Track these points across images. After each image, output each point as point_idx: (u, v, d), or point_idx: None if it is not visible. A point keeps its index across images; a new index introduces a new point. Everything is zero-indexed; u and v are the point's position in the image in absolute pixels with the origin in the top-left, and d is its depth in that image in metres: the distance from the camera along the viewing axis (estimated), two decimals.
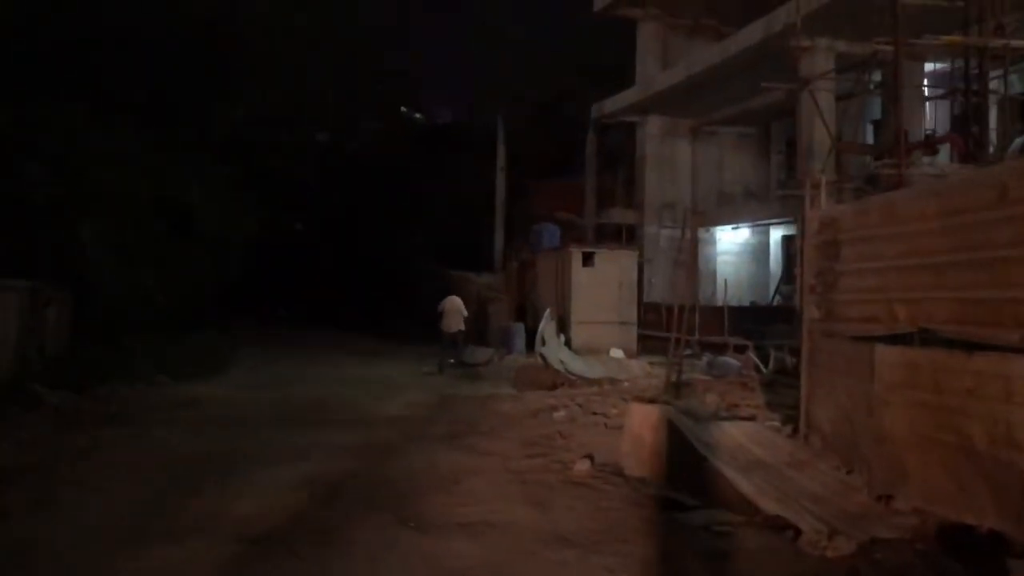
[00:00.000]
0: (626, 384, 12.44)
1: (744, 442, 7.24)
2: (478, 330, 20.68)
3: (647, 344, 19.36)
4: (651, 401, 9.94)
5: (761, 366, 12.86)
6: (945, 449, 5.56)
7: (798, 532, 5.43)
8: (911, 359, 5.82)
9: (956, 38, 10.67)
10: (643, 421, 7.30)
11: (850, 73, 20.54)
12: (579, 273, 18.24)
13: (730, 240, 29.62)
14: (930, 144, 12.22)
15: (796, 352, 13.20)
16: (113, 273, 13.45)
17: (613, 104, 27.54)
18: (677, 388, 11.34)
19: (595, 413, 9.71)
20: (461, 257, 28.95)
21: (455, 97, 42.90)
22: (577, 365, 13.29)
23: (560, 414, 9.77)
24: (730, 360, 13.32)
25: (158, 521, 5.73)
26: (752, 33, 20.23)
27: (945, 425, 5.53)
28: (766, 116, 27.81)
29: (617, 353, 18.33)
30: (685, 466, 7.03)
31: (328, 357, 18.31)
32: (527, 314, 20.54)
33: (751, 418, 8.87)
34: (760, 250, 29.61)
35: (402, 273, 29.33)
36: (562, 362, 12.95)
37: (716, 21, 27.21)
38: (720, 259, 29.47)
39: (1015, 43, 10.61)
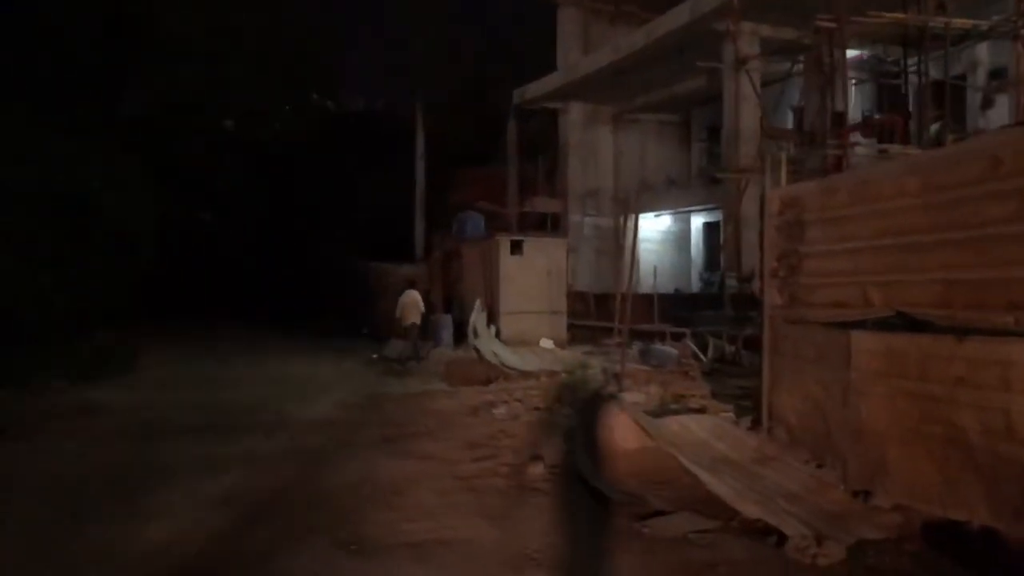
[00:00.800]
0: (563, 376, 11.90)
1: (705, 437, 6.79)
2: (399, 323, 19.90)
3: (575, 333, 18.98)
4: (598, 395, 9.45)
5: (700, 354, 12.55)
6: (931, 441, 5.19)
7: (782, 537, 4.98)
8: (892, 346, 5.44)
9: (900, 15, 10.51)
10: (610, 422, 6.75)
11: (773, 58, 20.63)
12: (507, 262, 17.64)
13: (652, 228, 29.55)
14: (869, 126, 12.09)
15: (734, 339, 13.03)
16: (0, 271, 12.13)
17: (535, 89, 27.03)
18: (618, 380, 10.87)
19: (537, 408, 9.13)
20: (384, 249, 27.96)
21: (374, 85, 41.58)
22: (511, 358, 12.70)
23: (500, 411, 9.15)
24: (667, 349, 12.97)
25: (50, 555, 4.85)
26: (679, 15, 19.98)
27: (931, 416, 5.16)
28: (688, 103, 27.83)
29: (548, 343, 17.85)
30: (650, 467, 6.54)
31: (246, 355, 17.20)
32: (453, 305, 19.86)
33: (702, 410, 8.44)
34: (681, 237, 29.70)
35: (322, 267, 28.15)
36: (495, 355, 12.34)
37: (637, 7, 26.97)
38: (642, 247, 29.34)
39: (957, 21, 10.53)
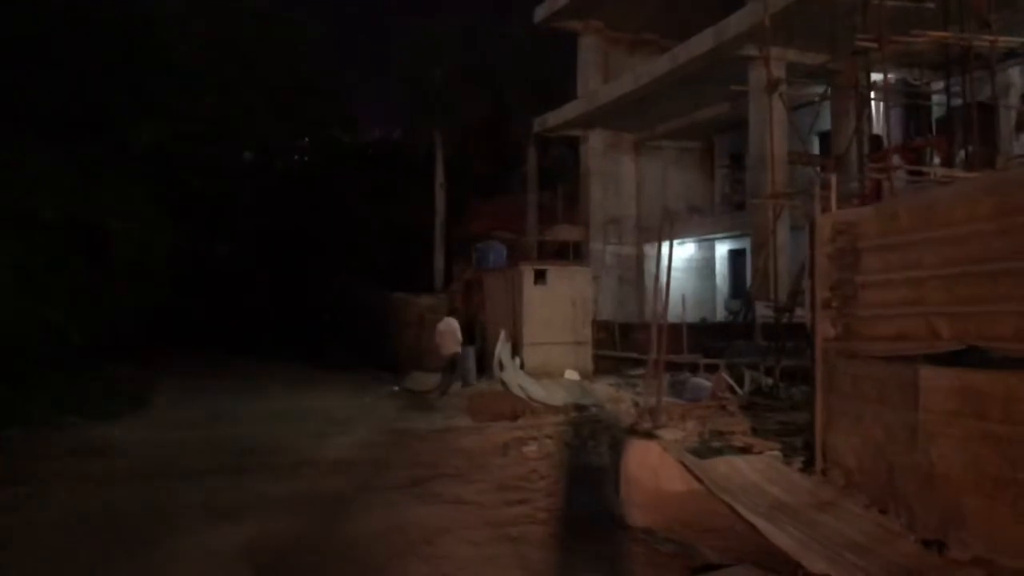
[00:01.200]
0: (594, 410, 11.45)
1: (757, 480, 6.31)
2: (419, 355, 19.50)
3: (600, 364, 18.50)
4: (635, 432, 9.00)
5: (736, 387, 12.03)
6: (1018, 489, 4.70)
7: None
8: (970, 384, 4.97)
9: (944, 34, 10.12)
10: (641, 460, 6.31)
11: (800, 82, 20.30)
12: (531, 291, 17.24)
13: (675, 256, 29.04)
14: (909, 149, 11.67)
15: (770, 371, 12.50)
16: (13, 305, 11.86)
17: (555, 118, 26.81)
18: (653, 415, 10.39)
19: (571, 446, 8.68)
20: (400, 279, 27.69)
21: (392, 114, 41.66)
22: (538, 391, 12.25)
23: (531, 448, 8.70)
24: (701, 381, 12.47)
25: None
26: (703, 41, 19.71)
27: (1019, 462, 4.68)
28: (709, 130, 27.53)
29: (572, 375, 17.39)
30: (698, 512, 6.07)
31: (261, 389, 16.87)
32: (475, 336, 19.44)
33: (747, 449, 7.95)
34: (705, 265, 29.22)
35: (338, 297, 27.88)
36: (522, 388, 11.91)
37: (657, 36, 26.79)
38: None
39: (1003, 39, 10.13)
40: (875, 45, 10.13)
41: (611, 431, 9.30)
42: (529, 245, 26.93)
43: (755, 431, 9.43)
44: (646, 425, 9.53)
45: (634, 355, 20.68)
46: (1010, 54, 10.59)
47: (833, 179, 7.03)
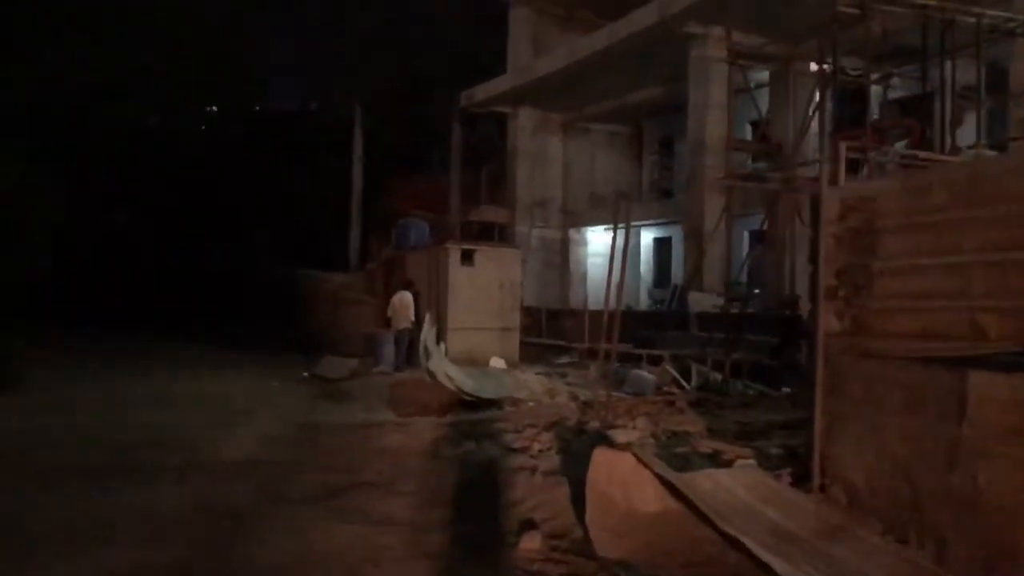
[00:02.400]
0: (531, 404, 10.34)
1: (749, 499, 5.30)
2: (332, 338, 18.04)
3: (524, 352, 17.46)
4: (583, 431, 7.93)
5: (682, 381, 11.13)
6: None
7: None
8: None
9: (932, 1, 9.38)
10: (610, 474, 5.21)
11: (746, 64, 19.64)
12: (457, 272, 16.02)
13: (600, 241, 28.37)
14: (877, 130, 10.96)
15: (718, 366, 11.65)
16: None
17: (484, 92, 25.56)
18: (604, 413, 9.37)
19: (511, 449, 7.53)
20: (313, 256, 26.04)
21: (308, 84, 39.37)
22: (467, 381, 11.04)
23: (467, 450, 7.51)
24: (643, 373, 11.49)
25: None
26: (646, 16, 18.78)
27: None
28: (639, 114, 26.80)
29: (499, 363, 16.29)
30: (677, 539, 5.02)
31: (155, 369, 15.15)
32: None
33: (715, 455, 6.98)
34: (629, 252, 28.53)
35: (248, 274, 25.92)
36: (450, 378, 10.69)
37: (591, 13, 25.78)
38: (590, 261, 28.18)
39: (990, 13, 9.46)
40: (857, 10, 9.29)
41: (555, 429, 8.19)
42: (452, 225, 25.64)
43: (711, 432, 8.50)
44: (593, 423, 8.48)
45: (561, 343, 19.75)
46: (994, 29, 9.93)
47: (842, 148, 6.07)
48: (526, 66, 24.47)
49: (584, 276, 27.84)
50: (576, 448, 7.34)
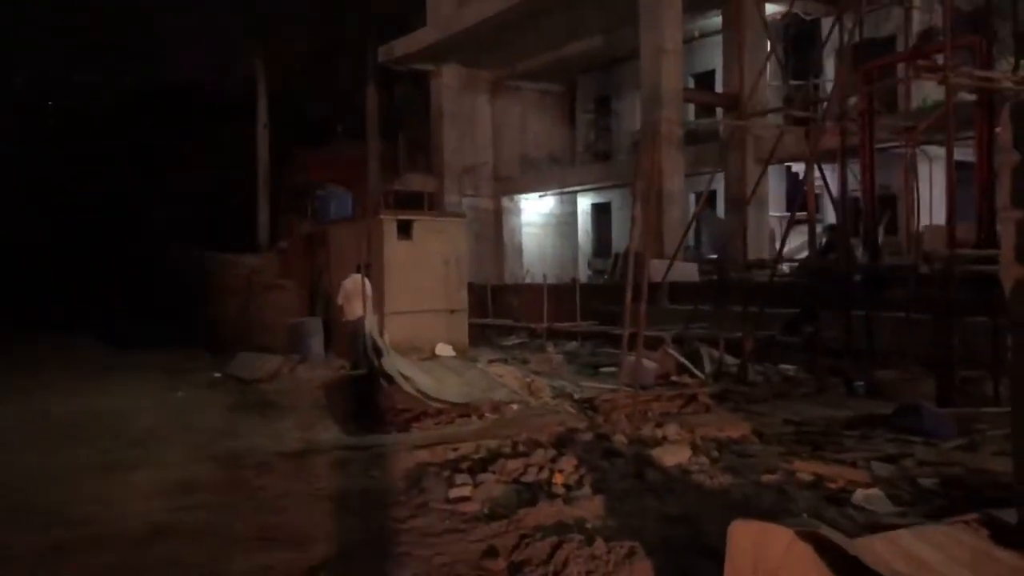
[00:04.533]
0: (515, 407, 8.25)
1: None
2: (246, 330, 15.52)
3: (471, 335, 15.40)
4: (607, 449, 5.91)
5: (692, 368, 9.21)
6: None
7: None
8: None
9: None
10: (757, 559, 3.21)
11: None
12: (393, 247, 13.74)
13: (534, 211, 26.43)
14: (933, 50, 9.26)
15: (734, 349, 9.74)
16: None
17: (405, 46, 23.05)
18: (607, 414, 7.39)
19: (524, 484, 5.44)
20: (217, 238, 23.05)
21: (207, 49, 35.51)
22: (424, 380, 8.88)
23: (462, 492, 5.37)
24: (641, 360, 9.49)
25: None
26: None
27: None
28: (573, 70, 24.83)
29: (446, 349, 14.16)
30: None
31: (31, 380, 12.43)
32: (317, 304, 15.69)
33: (819, 483, 5.07)
34: (564, 221, 26.74)
35: (143, 262, 22.73)
36: (406, 378, 8.51)
37: None
38: (525, 231, 26.22)
39: None
40: None
41: (570, 447, 6.14)
42: (375, 195, 23.14)
43: (762, 437, 6.64)
44: (617, 435, 6.46)
45: (509, 322, 17.75)
46: None
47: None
48: (452, 15, 22.04)
49: (519, 248, 25.87)
50: (615, 479, 5.32)
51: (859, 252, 12.39)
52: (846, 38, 16.17)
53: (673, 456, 5.67)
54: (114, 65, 35.02)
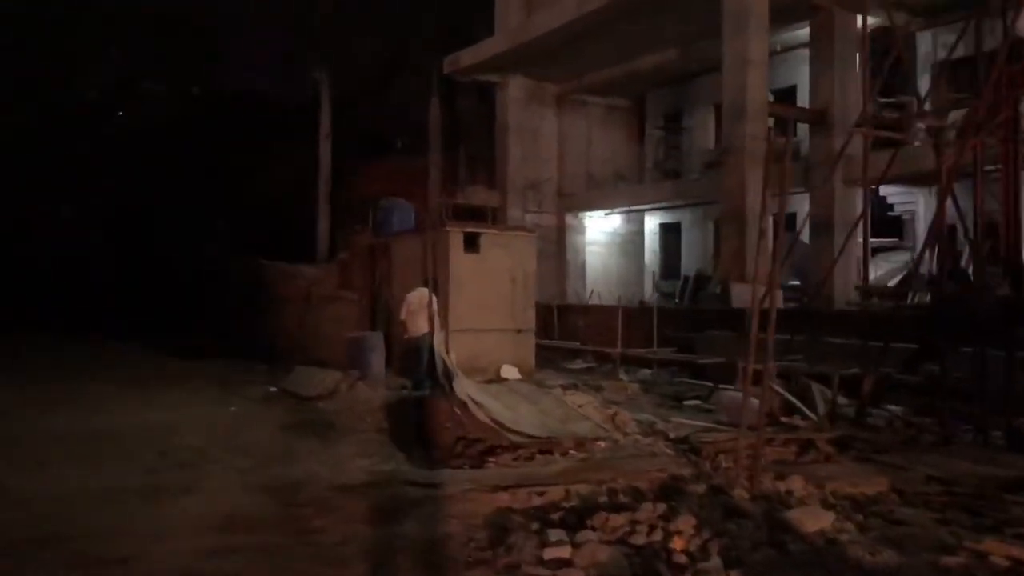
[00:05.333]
0: (602, 445, 7.34)
1: None
2: (304, 343, 14.91)
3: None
4: (728, 507, 4.97)
5: (800, 406, 8.17)
6: None
7: None
8: None
9: None
10: None
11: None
12: (460, 261, 12.97)
13: (599, 229, 25.51)
14: None
15: (851, 383, 8.61)
16: None
17: (472, 56, 22.37)
18: (713, 460, 6.44)
19: (634, 547, 4.52)
20: (276, 248, 22.58)
21: (270, 59, 35.48)
22: (498, 409, 8.02)
23: (559, 553, 4.47)
24: (738, 396, 8.47)
25: None
26: None
27: None
28: (643, 85, 23.91)
29: (511, 372, 13.33)
30: None
31: (81, 389, 11.93)
32: (377, 318, 15.00)
33: None
34: (629, 240, 25.73)
35: (201, 270, 22.40)
36: (478, 405, 7.68)
37: None
38: (589, 250, 25.30)
39: None
40: None
41: (681, 500, 5.20)
42: (437, 209, 22.47)
43: (903, 496, 5.61)
44: (740, 492, 5.50)
45: (576, 345, 16.83)
46: None
47: None
48: (520, 25, 21.32)
49: (583, 267, 24.94)
50: (746, 547, 4.37)
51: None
52: (947, 50, 15.14)
53: (814, 520, 4.70)
54: (180, 74, 35.30)
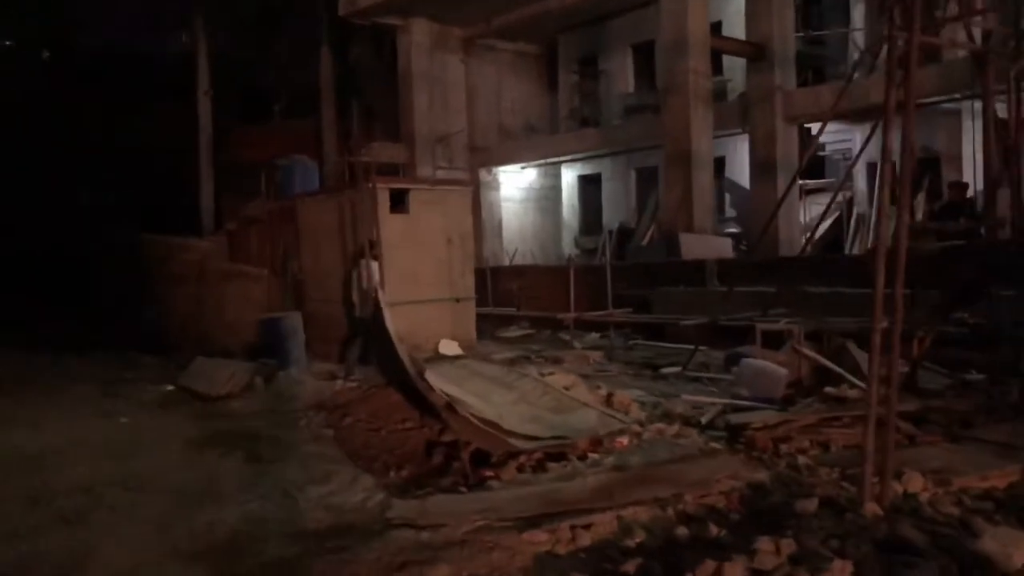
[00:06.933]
0: (624, 442, 5.71)
1: None
2: (202, 328, 12.71)
3: None
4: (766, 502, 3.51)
5: (845, 374, 6.66)
6: None
7: None
8: None
9: None
10: None
11: None
12: (388, 224, 11.09)
13: (513, 184, 23.91)
14: None
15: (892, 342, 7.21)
16: None
17: None
18: (756, 448, 5.02)
19: None
20: (155, 220, 19.84)
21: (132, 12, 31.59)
22: (473, 401, 6.34)
23: None
24: (762, 363, 7.01)
25: None
26: None
27: None
28: (553, 28, 22.26)
29: (451, 347, 11.69)
30: None
31: None
32: (285, 296, 12.96)
33: None
34: (544, 196, 24.28)
35: (72, 246, 19.36)
36: (454, 400, 5.96)
37: None
38: (504, 207, 23.69)
39: None
40: None
41: (802, 528, 3.73)
42: (339, 167, 20.25)
43: None
44: (872, 506, 4.07)
45: (513, 311, 15.28)
46: None
47: None
48: None
49: (499, 225, 23.33)
50: None
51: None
52: None
53: (1019, 549, 3.30)
54: (31, 27, 31.28)
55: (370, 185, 11.04)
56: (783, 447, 5.20)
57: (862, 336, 6.64)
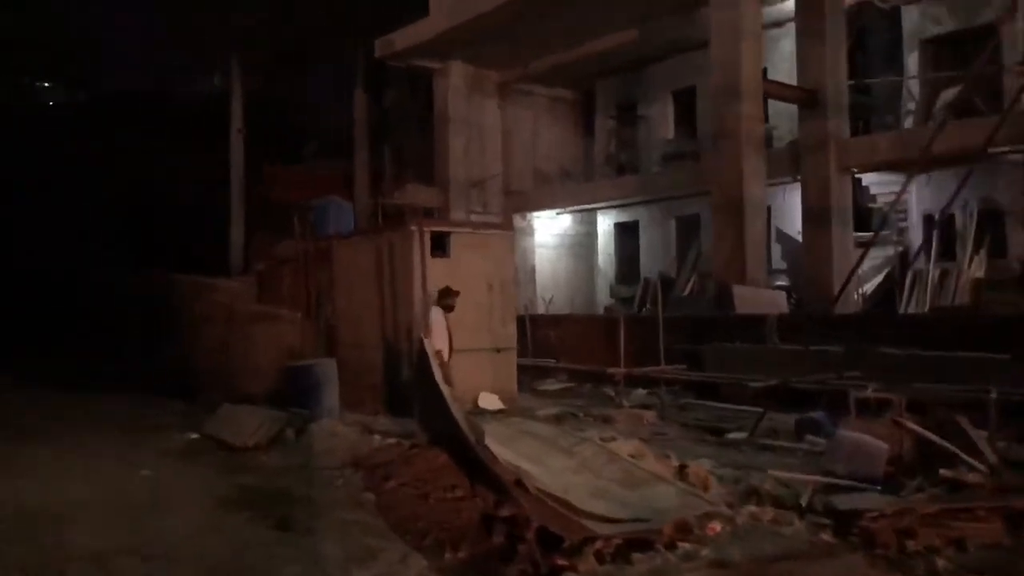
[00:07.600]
0: (717, 528, 4.96)
1: None
2: (228, 372, 12.10)
3: None
4: None
5: (959, 452, 5.84)
6: None
7: None
8: None
9: None
10: None
11: None
12: (429, 268, 10.50)
13: (547, 230, 23.37)
14: None
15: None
16: None
17: (407, 37, 19.78)
18: (876, 545, 4.25)
19: None
20: (188, 259, 19.41)
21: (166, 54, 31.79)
22: (538, 472, 5.60)
23: None
24: (863, 438, 6.12)
25: None
26: None
27: None
28: (592, 73, 21.90)
29: (491, 401, 10.96)
30: None
31: None
32: (319, 342, 12.35)
33: None
34: (579, 242, 23.68)
35: (96, 285, 18.88)
36: (516, 470, 5.24)
37: None
38: (538, 253, 23.12)
39: None
40: None
41: None
42: (370, 211, 19.83)
43: None
44: None
45: (552, 362, 14.55)
46: None
47: None
48: (457, 3, 18.73)
49: (532, 272, 22.71)
50: None
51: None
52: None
53: None
54: (73, 71, 31.59)
55: (413, 228, 10.48)
56: (909, 543, 4.43)
57: (971, 407, 5.87)
